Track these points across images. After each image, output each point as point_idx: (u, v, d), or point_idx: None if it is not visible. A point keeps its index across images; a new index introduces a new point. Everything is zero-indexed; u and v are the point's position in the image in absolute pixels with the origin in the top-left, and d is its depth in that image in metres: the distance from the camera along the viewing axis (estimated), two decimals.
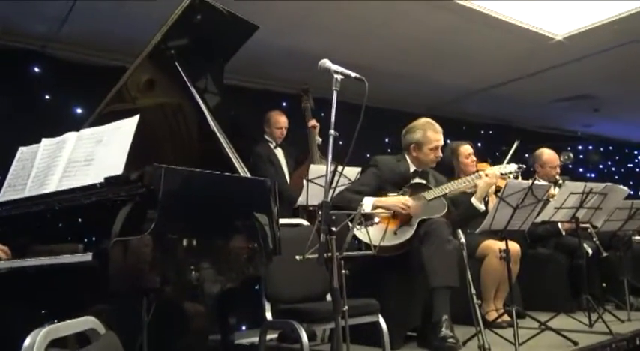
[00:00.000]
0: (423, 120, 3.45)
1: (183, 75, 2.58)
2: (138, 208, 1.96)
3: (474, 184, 3.34)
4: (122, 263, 1.82)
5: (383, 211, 3.02)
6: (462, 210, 3.33)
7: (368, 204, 3.09)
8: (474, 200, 3.27)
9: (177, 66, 2.57)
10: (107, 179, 2.04)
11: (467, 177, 3.38)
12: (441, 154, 3.39)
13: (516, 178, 3.67)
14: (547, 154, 4.67)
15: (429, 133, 3.34)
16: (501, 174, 3.58)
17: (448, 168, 4.04)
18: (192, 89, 2.60)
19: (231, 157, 2.55)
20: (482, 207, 3.27)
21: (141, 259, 1.85)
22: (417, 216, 3.15)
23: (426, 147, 3.33)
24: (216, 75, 2.88)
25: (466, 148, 4.12)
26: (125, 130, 2.15)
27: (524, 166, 3.62)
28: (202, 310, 2.07)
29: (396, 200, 3.16)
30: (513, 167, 3.57)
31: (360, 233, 2.89)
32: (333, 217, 1.98)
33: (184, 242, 1.99)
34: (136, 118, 2.16)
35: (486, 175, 3.29)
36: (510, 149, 3.66)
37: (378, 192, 3.25)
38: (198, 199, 2.11)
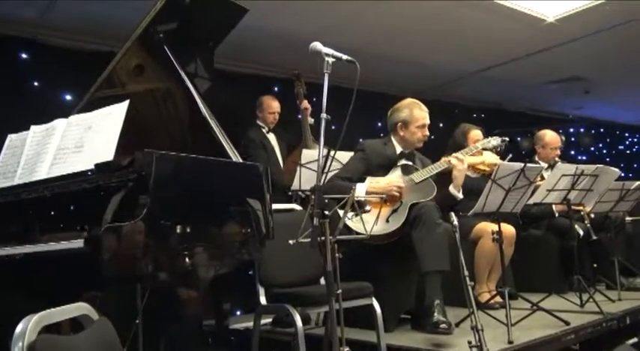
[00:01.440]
0: (409, 100, 3.45)
1: (172, 60, 2.55)
2: (130, 194, 1.94)
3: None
4: (114, 250, 1.81)
5: (373, 197, 3.02)
6: (442, 196, 3.32)
7: (361, 191, 3.08)
8: (451, 189, 3.26)
9: (167, 50, 2.54)
10: (97, 165, 2.02)
11: (442, 160, 3.34)
12: (427, 133, 3.38)
13: (500, 151, 3.65)
14: (550, 135, 4.68)
15: (416, 111, 3.34)
16: (484, 149, 3.57)
17: (459, 148, 4.03)
18: (183, 74, 2.57)
19: (223, 142, 2.53)
20: (459, 195, 3.27)
21: (133, 246, 1.84)
22: (407, 200, 3.14)
23: (412, 125, 3.32)
24: (207, 60, 2.85)
25: (476, 133, 4.12)
26: (115, 115, 2.12)
27: (508, 139, 3.61)
28: (196, 295, 2.07)
29: (388, 184, 3.15)
30: (497, 140, 3.56)
31: (352, 223, 2.88)
32: (326, 201, 1.97)
33: (177, 228, 1.98)
34: (125, 104, 2.12)
35: (457, 163, 3.24)
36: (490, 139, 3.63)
37: (366, 176, 3.25)
38: (190, 185, 2.10)
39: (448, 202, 3.29)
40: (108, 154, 2.04)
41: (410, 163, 3.38)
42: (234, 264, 2.25)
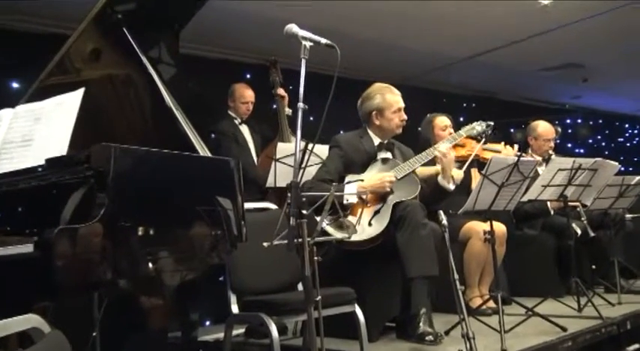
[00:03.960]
0: (377, 85, 3.47)
1: (133, 43, 2.52)
2: (85, 193, 1.92)
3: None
4: (69, 255, 1.79)
5: (359, 195, 3.03)
6: (430, 189, 3.34)
7: (352, 191, 3.08)
8: (440, 180, 3.27)
9: (126, 33, 2.51)
10: (49, 161, 1.99)
11: (425, 151, 3.35)
12: (405, 117, 3.39)
13: (488, 135, 3.67)
14: (542, 126, 4.75)
15: (388, 95, 3.37)
16: (470, 136, 3.59)
17: (425, 140, 4.07)
18: (144, 59, 2.54)
19: (190, 134, 2.51)
20: (450, 187, 3.27)
21: (90, 250, 1.82)
22: (390, 198, 3.15)
23: (388, 111, 3.34)
24: (171, 43, 2.83)
25: (442, 120, 4.14)
26: (68, 105, 2.09)
27: (493, 123, 3.64)
28: (161, 304, 2.06)
29: (380, 180, 3.14)
30: (481, 126, 3.58)
31: (331, 229, 2.87)
32: (304, 199, 1.97)
33: (139, 230, 1.97)
34: (80, 92, 2.10)
35: (441, 156, 3.25)
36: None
37: (345, 175, 3.25)
38: (153, 182, 2.08)
39: (438, 196, 3.31)
40: (60, 148, 2.01)
41: (389, 154, 3.38)
42: (202, 269, 2.23)
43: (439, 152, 3.26)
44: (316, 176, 3.27)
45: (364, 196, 3.06)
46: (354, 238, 2.78)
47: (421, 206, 3.08)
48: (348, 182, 3.18)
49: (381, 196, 3.16)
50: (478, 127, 3.58)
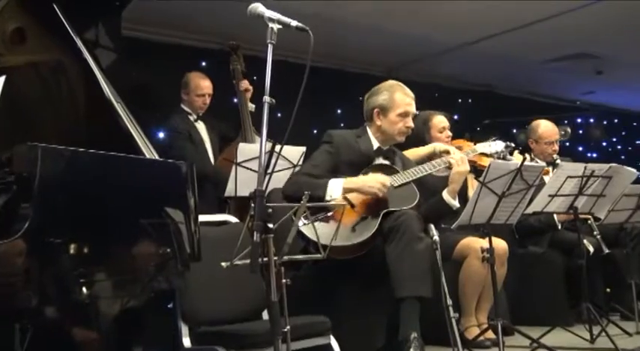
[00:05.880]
0: (391, 81, 3.52)
1: (64, 23, 2.52)
2: (6, 203, 1.91)
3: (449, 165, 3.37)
4: None
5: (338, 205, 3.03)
6: (432, 204, 3.36)
7: (336, 187, 3.10)
8: (445, 195, 3.30)
9: (57, 10, 2.50)
10: None
11: (438, 159, 3.41)
12: (411, 124, 3.42)
13: (503, 158, 3.76)
14: (544, 126, 4.80)
15: (398, 94, 3.40)
16: (484, 154, 3.66)
17: (419, 141, 4.10)
18: (79, 42, 2.54)
19: (133, 132, 2.51)
20: (455, 204, 3.31)
21: (10, 271, 1.81)
22: (382, 206, 3.17)
23: (392, 112, 3.37)
24: (112, 24, 2.83)
25: (440, 120, 4.20)
26: None
27: (513, 145, 3.71)
28: (96, 337, 2.05)
29: (372, 180, 3.16)
30: (500, 145, 3.64)
31: (308, 230, 2.88)
32: (270, 211, 1.96)
33: (71, 247, 1.96)
34: (0, 82, 2.08)
35: (455, 163, 3.31)
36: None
37: (333, 175, 3.25)
38: (88, 190, 2.07)
39: (440, 213, 3.34)
40: None
41: (387, 162, 3.41)
42: (147, 294, 2.23)
43: (454, 160, 3.32)
44: (301, 169, 3.30)
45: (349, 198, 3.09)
46: (336, 243, 2.78)
47: (418, 217, 3.09)
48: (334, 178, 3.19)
49: (371, 206, 3.17)
50: (496, 146, 3.64)
